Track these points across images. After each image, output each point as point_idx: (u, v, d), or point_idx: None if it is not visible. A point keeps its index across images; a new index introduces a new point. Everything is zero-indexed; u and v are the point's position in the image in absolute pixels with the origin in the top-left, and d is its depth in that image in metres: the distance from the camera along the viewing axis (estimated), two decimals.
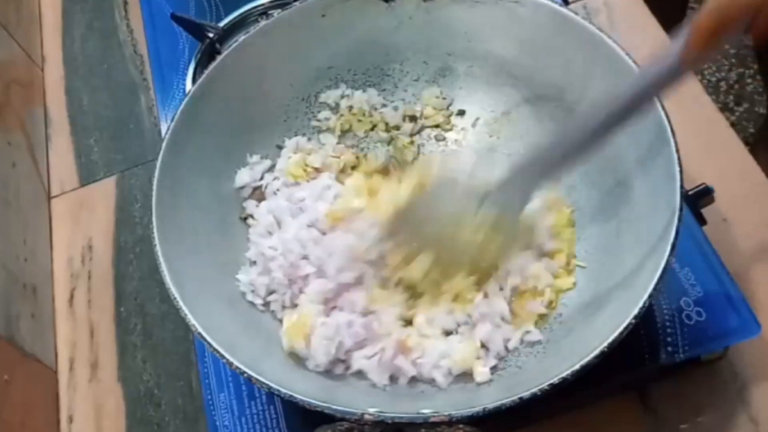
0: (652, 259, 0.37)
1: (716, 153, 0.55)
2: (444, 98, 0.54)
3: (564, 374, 0.35)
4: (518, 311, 0.44)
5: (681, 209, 0.38)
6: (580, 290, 0.45)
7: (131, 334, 0.59)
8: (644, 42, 0.60)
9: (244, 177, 0.51)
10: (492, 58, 0.51)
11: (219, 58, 0.49)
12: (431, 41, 0.52)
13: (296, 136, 0.53)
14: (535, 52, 0.49)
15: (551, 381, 0.35)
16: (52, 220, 0.67)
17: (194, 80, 0.64)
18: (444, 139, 0.54)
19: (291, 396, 0.37)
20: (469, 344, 0.43)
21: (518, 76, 0.51)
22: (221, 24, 0.67)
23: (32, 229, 0.64)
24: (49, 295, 0.62)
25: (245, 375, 0.38)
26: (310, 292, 0.45)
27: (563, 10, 0.46)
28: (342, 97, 0.54)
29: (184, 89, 0.65)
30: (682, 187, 0.38)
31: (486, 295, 0.45)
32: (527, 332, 0.44)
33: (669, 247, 0.37)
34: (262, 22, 0.50)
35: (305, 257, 0.46)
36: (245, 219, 0.50)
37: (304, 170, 0.51)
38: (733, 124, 0.80)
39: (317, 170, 0.52)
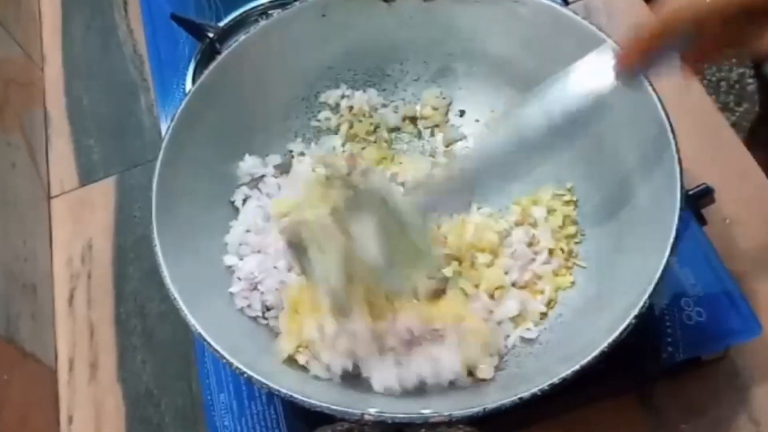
0: (653, 259, 0.37)
1: (717, 153, 0.55)
2: (444, 98, 0.54)
3: (564, 374, 0.35)
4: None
5: (681, 209, 0.38)
6: (580, 290, 0.45)
7: (131, 335, 0.59)
8: None
9: (248, 164, 0.50)
10: (492, 57, 0.51)
11: (219, 58, 0.49)
12: (431, 41, 0.52)
13: (301, 140, 0.53)
14: (536, 51, 0.49)
15: (551, 381, 0.35)
16: (51, 220, 0.67)
17: (194, 80, 0.63)
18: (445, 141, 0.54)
19: (291, 396, 0.37)
20: (472, 343, 0.43)
21: (518, 76, 0.51)
22: (221, 24, 0.67)
23: (32, 229, 0.64)
24: (49, 295, 0.62)
25: (245, 375, 0.38)
26: None
27: (563, 9, 0.46)
28: (342, 97, 0.54)
29: (183, 89, 0.65)
30: (682, 187, 0.38)
31: (492, 296, 0.45)
32: (527, 329, 0.44)
33: (669, 247, 0.37)
34: (262, 22, 0.50)
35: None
36: (232, 202, 0.50)
37: None
38: (733, 124, 0.80)
39: None
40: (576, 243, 0.47)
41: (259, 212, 0.48)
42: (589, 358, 0.35)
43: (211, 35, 0.65)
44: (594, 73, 0.37)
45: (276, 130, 0.53)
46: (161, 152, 0.46)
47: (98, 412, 0.56)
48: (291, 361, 0.44)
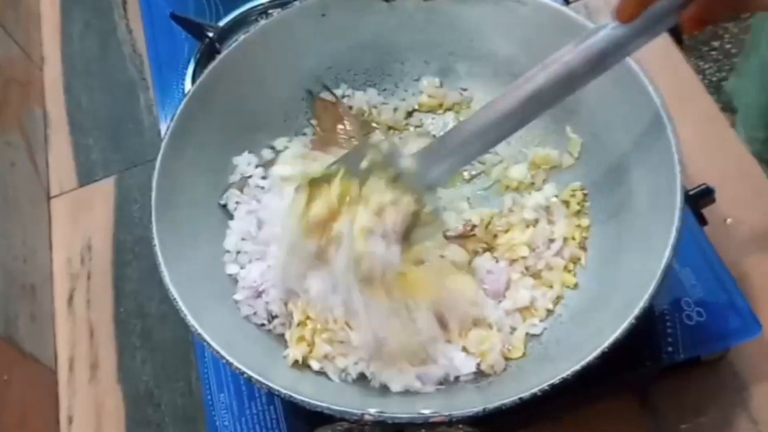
0: (653, 259, 0.37)
1: (717, 153, 0.55)
2: (441, 86, 0.54)
3: (564, 374, 0.35)
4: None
5: (682, 209, 0.38)
6: (580, 290, 0.45)
7: (131, 335, 0.59)
8: None
9: (243, 162, 0.50)
10: (493, 57, 0.51)
11: (218, 57, 0.49)
12: (432, 41, 0.52)
13: (296, 136, 0.53)
14: (536, 51, 0.48)
15: (551, 381, 0.35)
16: (51, 220, 0.67)
17: (194, 80, 0.63)
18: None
19: (291, 396, 0.37)
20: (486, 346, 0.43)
21: (519, 76, 0.51)
22: (221, 23, 0.66)
23: (31, 230, 0.63)
24: (48, 296, 0.62)
25: (245, 375, 0.38)
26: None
27: (564, 9, 0.46)
28: (343, 96, 0.54)
29: (183, 89, 0.65)
30: (682, 187, 0.38)
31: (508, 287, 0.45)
32: (533, 325, 0.44)
33: (670, 248, 0.37)
34: (262, 22, 0.50)
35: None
36: (224, 206, 0.50)
37: None
38: (733, 124, 0.80)
39: None
40: (584, 237, 0.47)
41: (251, 220, 0.48)
42: (589, 358, 0.35)
43: (210, 35, 0.65)
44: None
45: (276, 129, 0.53)
46: (160, 152, 0.46)
47: (98, 412, 0.56)
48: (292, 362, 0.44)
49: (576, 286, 0.45)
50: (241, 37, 0.49)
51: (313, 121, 0.53)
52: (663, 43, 0.61)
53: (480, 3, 0.49)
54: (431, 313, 0.43)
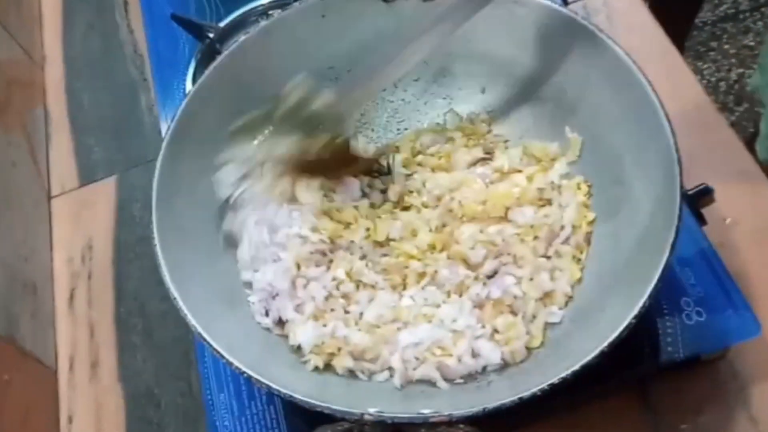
0: (652, 258, 0.37)
1: (716, 153, 0.55)
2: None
3: (564, 374, 0.35)
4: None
5: (681, 209, 0.38)
6: (579, 290, 0.45)
7: (131, 334, 0.59)
8: (644, 42, 0.60)
9: (225, 180, 0.48)
10: (491, 58, 0.51)
11: (219, 58, 0.49)
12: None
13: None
14: (535, 52, 0.49)
15: (551, 381, 0.35)
16: (52, 219, 0.67)
17: (194, 80, 0.64)
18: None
19: (291, 396, 0.37)
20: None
21: (518, 76, 0.51)
22: (221, 24, 0.67)
23: (32, 229, 0.64)
24: (49, 295, 0.62)
25: (245, 375, 0.38)
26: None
27: (563, 10, 0.46)
28: None
29: (184, 89, 0.65)
30: (682, 186, 0.39)
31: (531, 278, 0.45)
32: (551, 313, 0.44)
33: (669, 247, 0.37)
34: (262, 23, 0.50)
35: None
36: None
37: None
38: (733, 124, 0.80)
39: None
40: (589, 232, 0.47)
41: (261, 228, 0.48)
42: (589, 357, 0.35)
43: (211, 35, 0.65)
44: None
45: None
46: (161, 152, 0.46)
47: (98, 412, 0.56)
48: (291, 359, 0.44)
49: (580, 280, 0.45)
50: (242, 37, 0.50)
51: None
52: (661, 43, 0.61)
53: None
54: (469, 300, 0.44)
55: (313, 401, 0.36)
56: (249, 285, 0.47)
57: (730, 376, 0.47)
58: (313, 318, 0.45)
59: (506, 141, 0.52)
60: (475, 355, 0.43)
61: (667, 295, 0.46)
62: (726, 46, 1.39)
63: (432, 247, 0.47)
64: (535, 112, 0.51)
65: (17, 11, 0.76)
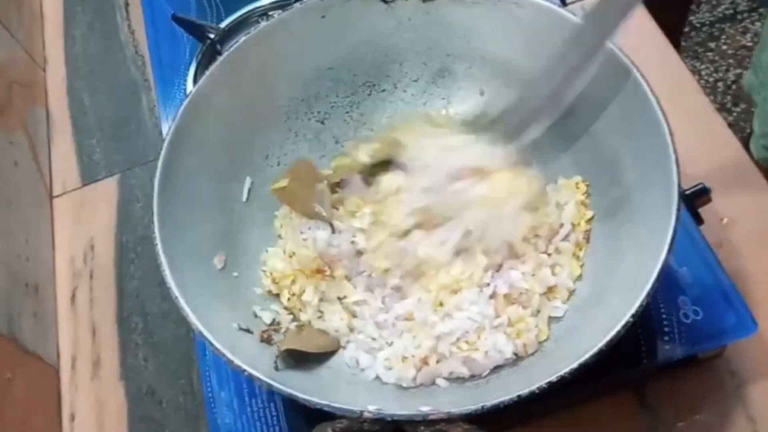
0: (650, 258, 0.37)
1: (714, 153, 0.55)
2: None
3: (562, 372, 0.35)
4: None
5: (678, 209, 0.38)
6: (578, 288, 0.45)
7: (133, 333, 0.60)
8: (642, 43, 0.60)
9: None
10: (491, 59, 0.52)
11: (220, 58, 0.49)
12: (430, 42, 0.53)
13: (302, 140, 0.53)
14: (534, 53, 0.49)
15: (549, 379, 0.35)
16: (54, 219, 0.67)
17: (195, 81, 0.64)
18: None
19: (291, 394, 0.37)
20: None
21: (517, 77, 0.51)
22: (222, 25, 0.67)
23: (34, 229, 0.64)
24: (51, 294, 0.62)
25: (245, 373, 0.38)
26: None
27: (561, 11, 0.47)
28: None
29: (185, 90, 0.65)
30: (679, 186, 0.39)
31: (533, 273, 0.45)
32: (555, 307, 0.44)
33: (667, 247, 0.37)
34: (263, 23, 0.50)
35: None
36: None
37: None
38: (730, 125, 0.80)
39: None
40: (588, 230, 0.47)
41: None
42: (587, 356, 0.35)
43: (212, 36, 0.66)
44: None
45: (276, 130, 0.53)
46: (162, 152, 0.46)
47: (100, 410, 0.57)
48: (291, 358, 0.44)
49: (580, 277, 0.45)
50: (242, 38, 0.50)
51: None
52: (659, 44, 0.61)
53: (478, 4, 0.49)
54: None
55: (313, 399, 0.36)
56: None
57: (728, 374, 0.47)
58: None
59: None
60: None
61: (664, 293, 0.46)
62: (724, 47, 1.40)
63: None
64: None
65: (18, 12, 0.76)
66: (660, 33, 0.62)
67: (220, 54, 0.51)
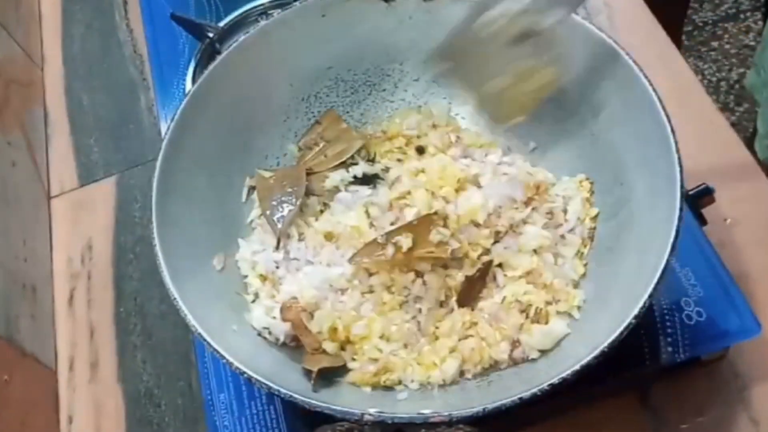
0: (653, 259, 0.37)
1: (717, 153, 0.55)
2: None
3: (564, 374, 0.35)
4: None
5: (681, 209, 0.38)
6: (580, 290, 0.45)
7: (131, 334, 0.59)
8: (644, 41, 0.60)
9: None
10: None
11: (219, 58, 0.49)
12: (431, 41, 0.52)
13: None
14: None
15: (551, 381, 0.35)
16: (51, 220, 0.67)
17: (194, 80, 0.64)
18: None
19: (291, 396, 0.37)
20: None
21: None
22: (221, 24, 0.67)
23: (32, 230, 0.64)
24: (48, 296, 0.62)
25: (245, 375, 0.38)
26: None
27: None
28: None
29: (183, 89, 0.65)
30: (682, 187, 0.38)
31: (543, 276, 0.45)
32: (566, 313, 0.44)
33: (669, 247, 0.37)
34: (262, 22, 0.50)
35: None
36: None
37: None
38: (733, 124, 0.80)
39: None
40: (593, 228, 0.46)
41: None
42: (589, 358, 0.35)
43: (211, 35, 0.65)
44: None
45: (276, 130, 0.53)
46: (161, 152, 0.46)
47: (98, 412, 0.56)
48: (291, 359, 0.44)
49: (584, 275, 0.45)
50: (242, 37, 0.49)
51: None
52: (662, 43, 0.61)
53: (479, 3, 0.49)
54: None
55: (313, 401, 0.36)
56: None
57: (731, 376, 0.47)
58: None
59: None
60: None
61: (667, 295, 0.46)
62: (727, 46, 1.39)
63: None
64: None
65: (16, 11, 0.76)
66: (662, 32, 0.62)
67: (219, 53, 0.51)
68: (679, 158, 0.39)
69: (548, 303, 0.44)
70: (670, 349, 0.44)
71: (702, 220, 0.48)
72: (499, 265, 0.45)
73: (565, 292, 0.44)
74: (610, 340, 0.35)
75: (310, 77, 0.54)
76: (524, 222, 0.46)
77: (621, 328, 0.35)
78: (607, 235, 0.45)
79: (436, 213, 0.45)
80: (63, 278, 0.63)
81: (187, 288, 0.41)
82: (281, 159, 0.53)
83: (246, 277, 0.48)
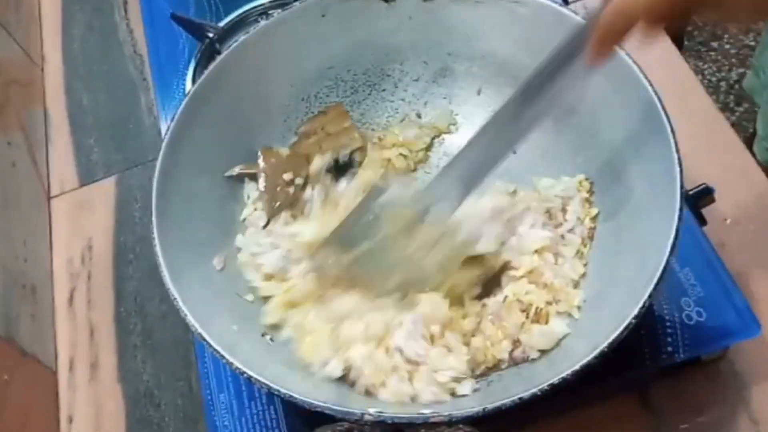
0: (653, 259, 0.37)
1: (717, 153, 0.55)
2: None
3: (564, 374, 0.35)
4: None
5: (681, 209, 0.38)
6: (580, 290, 0.45)
7: (131, 335, 0.59)
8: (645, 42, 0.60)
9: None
10: (492, 57, 0.51)
11: (219, 58, 0.49)
12: (431, 41, 0.52)
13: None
14: (536, 51, 0.48)
15: (551, 381, 0.35)
16: (51, 220, 0.67)
17: (194, 80, 0.64)
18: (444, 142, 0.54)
19: (291, 396, 0.37)
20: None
21: (518, 76, 0.50)
22: (221, 24, 0.67)
23: (32, 230, 0.64)
24: (48, 296, 0.62)
25: (245, 375, 0.38)
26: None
27: (563, 9, 0.46)
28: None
29: (183, 89, 0.65)
30: (682, 187, 0.38)
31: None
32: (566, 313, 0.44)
33: (669, 247, 0.37)
34: (262, 22, 0.50)
35: None
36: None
37: None
38: (733, 124, 0.80)
39: None
40: (593, 227, 0.47)
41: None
42: (589, 358, 0.35)
43: (211, 35, 0.65)
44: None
45: (276, 130, 0.53)
46: (161, 152, 0.46)
47: (98, 412, 0.56)
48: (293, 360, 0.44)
49: (584, 275, 0.45)
50: (242, 37, 0.49)
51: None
52: (662, 44, 0.61)
53: (479, 3, 0.49)
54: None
55: (313, 401, 0.36)
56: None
57: (731, 376, 0.47)
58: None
59: None
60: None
61: (667, 295, 0.46)
62: (727, 46, 1.39)
63: None
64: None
65: (16, 11, 0.76)
66: (663, 33, 0.61)
67: (219, 53, 0.51)
68: (679, 158, 0.39)
69: (548, 303, 0.44)
70: (669, 349, 0.44)
71: (702, 220, 0.48)
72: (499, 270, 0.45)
73: (565, 292, 0.44)
74: (610, 340, 0.35)
75: (310, 77, 0.54)
76: (524, 222, 0.46)
77: (621, 328, 0.35)
78: (607, 235, 0.45)
79: None
80: (63, 278, 0.63)
81: (187, 288, 0.41)
82: None
83: (251, 281, 0.47)
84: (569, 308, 0.44)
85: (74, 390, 0.58)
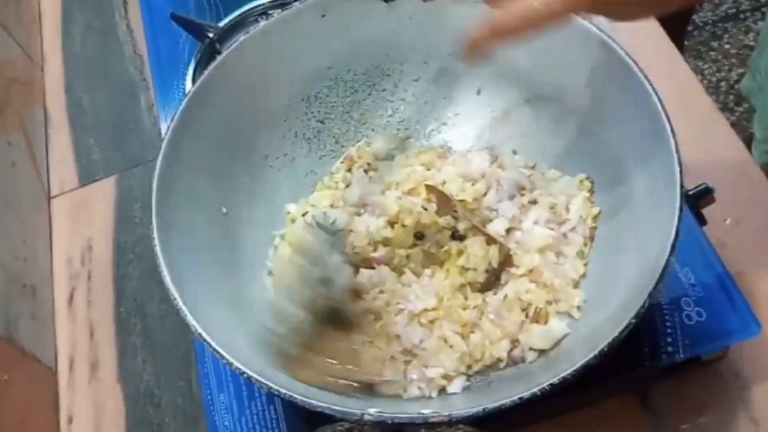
0: (652, 259, 0.37)
1: (717, 153, 0.55)
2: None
3: (564, 374, 0.35)
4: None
5: (681, 209, 0.38)
6: (581, 290, 0.45)
7: (131, 334, 0.59)
8: (644, 42, 0.60)
9: None
10: (492, 57, 0.51)
11: (219, 58, 0.49)
12: (431, 41, 0.52)
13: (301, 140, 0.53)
14: (535, 52, 0.48)
15: (551, 381, 0.35)
16: (51, 220, 0.67)
17: (194, 80, 0.64)
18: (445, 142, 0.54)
19: (291, 396, 0.37)
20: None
21: (518, 76, 0.51)
22: (221, 24, 0.67)
23: (32, 229, 0.64)
24: (48, 296, 0.62)
25: (245, 375, 0.38)
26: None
27: None
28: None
29: (183, 89, 0.65)
30: (682, 187, 0.38)
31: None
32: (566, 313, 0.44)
33: (669, 247, 0.37)
34: (262, 22, 0.50)
35: None
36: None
37: None
38: (733, 124, 0.80)
39: None
40: (594, 227, 0.47)
41: None
42: (589, 358, 0.35)
43: (211, 35, 0.65)
44: None
45: (276, 130, 0.53)
46: (161, 152, 0.46)
47: (98, 412, 0.56)
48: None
49: (584, 275, 0.45)
50: (242, 37, 0.49)
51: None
52: (662, 43, 0.61)
53: (479, 3, 0.49)
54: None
55: (313, 401, 0.36)
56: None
57: (731, 376, 0.47)
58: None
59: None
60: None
61: (667, 295, 0.46)
62: (727, 46, 1.39)
63: None
64: (536, 111, 0.51)
65: (16, 11, 0.76)
66: (662, 32, 0.62)
67: (219, 53, 0.51)
68: (679, 158, 0.39)
69: (548, 303, 0.44)
70: (670, 349, 0.44)
71: (702, 220, 0.48)
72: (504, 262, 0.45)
73: (565, 291, 0.44)
74: (610, 340, 0.35)
75: (310, 77, 0.53)
76: (528, 217, 0.46)
77: (621, 328, 0.35)
78: (607, 234, 0.45)
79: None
80: (63, 278, 0.63)
81: (187, 288, 0.41)
82: (281, 159, 0.53)
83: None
84: (569, 308, 0.44)
85: (74, 390, 0.58)
